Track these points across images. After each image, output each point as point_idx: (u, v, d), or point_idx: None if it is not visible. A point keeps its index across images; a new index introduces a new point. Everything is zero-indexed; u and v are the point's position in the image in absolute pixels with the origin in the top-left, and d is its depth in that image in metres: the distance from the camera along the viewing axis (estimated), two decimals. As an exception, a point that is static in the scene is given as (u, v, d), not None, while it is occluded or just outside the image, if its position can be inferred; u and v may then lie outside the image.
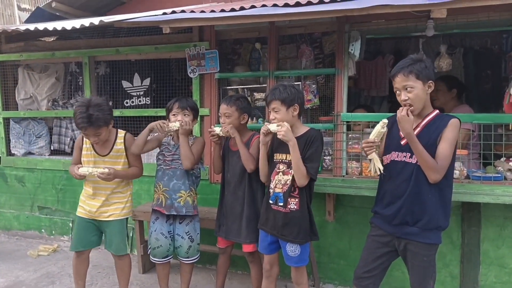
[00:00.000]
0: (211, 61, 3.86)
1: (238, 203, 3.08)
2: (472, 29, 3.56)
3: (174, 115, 3.11)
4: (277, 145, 2.81)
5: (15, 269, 4.05)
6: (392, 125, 2.55)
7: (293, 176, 2.70)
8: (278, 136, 2.65)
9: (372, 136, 2.48)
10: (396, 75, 2.38)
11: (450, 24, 3.18)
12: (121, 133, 3.16)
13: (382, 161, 2.56)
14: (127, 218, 3.22)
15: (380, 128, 2.44)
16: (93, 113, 2.82)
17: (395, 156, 2.48)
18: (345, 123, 3.40)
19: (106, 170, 2.93)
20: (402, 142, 2.44)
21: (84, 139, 3.08)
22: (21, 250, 4.56)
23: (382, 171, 2.50)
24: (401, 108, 2.35)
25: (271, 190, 2.82)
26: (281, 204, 2.74)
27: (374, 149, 2.48)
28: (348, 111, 3.45)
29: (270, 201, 2.81)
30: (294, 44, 4.00)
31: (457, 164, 3.12)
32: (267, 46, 3.75)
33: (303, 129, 2.80)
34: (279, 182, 2.78)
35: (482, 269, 3.28)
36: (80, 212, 3.16)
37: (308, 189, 2.74)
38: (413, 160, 2.38)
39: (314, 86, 3.65)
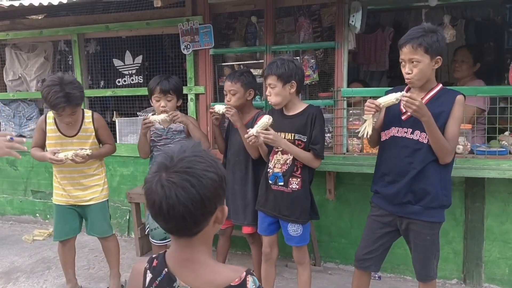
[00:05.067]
0: (205, 36, 3.71)
1: (238, 183, 2.99)
2: (475, -1, 3.42)
3: (157, 100, 2.99)
4: (274, 122, 2.69)
5: (10, 255, 3.98)
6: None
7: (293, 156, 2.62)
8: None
9: (381, 101, 2.29)
10: (404, 45, 2.22)
11: (454, -8, 3.05)
12: (88, 112, 3.02)
13: (379, 136, 2.48)
14: (107, 200, 3.13)
15: (395, 100, 2.25)
16: (70, 91, 2.66)
17: (395, 131, 2.37)
18: (345, 99, 3.29)
19: (87, 152, 2.82)
20: (403, 117, 2.33)
21: (47, 120, 2.94)
22: (15, 235, 4.48)
23: (368, 136, 2.38)
24: (404, 105, 2.17)
25: (270, 170, 2.73)
26: (281, 183, 2.65)
27: (374, 113, 2.32)
28: (348, 86, 3.34)
29: (270, 181, 2.71)
30: (291, 17, 3.85)
31: (461, 139, 3.03)
32: (263, 20, 3.59)
33: (301, 105, 2.69)
34: (278, 161, 2.68)
35: (486, 245, 3.23)
36: (57, 200, 3.02)
37: (309, 168, 2.66)
38: (415, 137, 2.28)
39: (313, 61, 3.53)
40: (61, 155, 2.78)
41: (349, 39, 3.27)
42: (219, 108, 2.90)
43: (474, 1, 3.97)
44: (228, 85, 2.93)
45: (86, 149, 2.83)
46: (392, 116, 2.41)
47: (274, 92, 2.60)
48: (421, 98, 2.27)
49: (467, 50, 3.57)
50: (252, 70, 3.87)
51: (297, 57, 3.54)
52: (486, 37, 4.59)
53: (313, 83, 3.58)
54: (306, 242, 2.74)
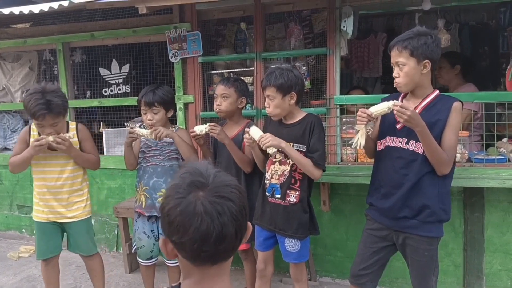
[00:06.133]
0: (193, 43, 3.59)
1: None
2: (471, 2, 3.33)
3: (144, 113, 2.87)
4: (271, 132, 2.57)
5: (-7, 273, 3.82)
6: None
7: (291, 167, 2.49)
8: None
9: (373, 110, 2.18)
10: (391, 48, 2.17)
11: (448, -4, 2.96)
12: (72, 124, 2.89)
13: (375, 147, 2.36)
14: (90, 216, 2.98)
15: (387, 109, 2.13)
16: (51, 99, 2.53)
17: (390, 141, 2.26)
18: (338, 106, 3.18)
19: (69, 134, 2.69)
20: (398, 126, 2.22)
21: (31, 132, 2.79)
22: (0, 252, 4.31)
23: (361, 147, 2.27)
24: (396, 114, 2.04)
25: (267, 181, 2.60)
26: (278, 196, 2.53)
27: (366, 122, 2.20)
28: (340, 94, 3.23)
29: (267, 193, 2.59)
30: (282, 23, 3.76)
31: (458, 147, 2.92)
32: (253, 26, 3.49)
33: (300, 114, 2.57)
34: (275, 172, 2.55)
35: (487, 257, 3.11)
36: (37, 216, 2.86)
37: (309, 181, 2.53)
38: (410, 147, 2.17)
39: (304, 68, 3.42)
40: (42, 140, 2.60)
41: (341, 45, 3.17)
42: (201, 129, 2.76)
43: (469, 5, 3.89)
44: (221, 89, 2.81)
45: (67, 135, 2.69)
46: (387, 125, 2.30)
47: (273, 104, 2.47)
48: (416, 106, 2.18)
49: (441, 56, 3.53)
50: (242, 77, 3.78)
51: (288, 64, 3.44)
52: (481, 41, 4.52)
53: (305, 90, 3.46)
54: (305, 259, 2.61)
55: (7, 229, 4.70)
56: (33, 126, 2.80)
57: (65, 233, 2.95)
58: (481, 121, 3.05)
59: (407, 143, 2.19)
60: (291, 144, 2.48)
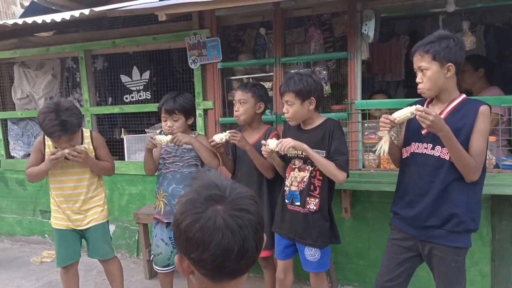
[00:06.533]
0: (213, 50, 3.59)
1: None
2: (497, 3, 3.22)
3: (164, 120, 2.87)
4: (290, 137, 2.53)
5: (17, 278, 3.87)
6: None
7: (310, 173, 2.44)
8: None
9: (396, 115, 2.11)
10: (413, 53, 2.12)
11: (473, -3, 2.87)
12: (86, 132, 2.91)
13: (401, 154, 2.29)
14: (107, 221, 2.99)
15: (410, 114, 2.07)
16: (66, 119, 2.53)
17: (415, 147, 2.19)
18: (360, 111, 3.12)
19: (84, 145, 2.72)
20: (423, 132, 2.14)
21: (46, 142, 2.81)
22: (24, 257, 4.38)
23: (385, 154, 2.20)
24: (419, 119, 1.97)
25: (286, 188, 2.56)
26: (298, 203, 2.48)
27: (389, 128, 2.13)
28: (362, 98, 3.17)
29: (286, 201, 2.55)
30: (301, 28, 3.71)
31: (489, 153, 2.84)
32: (272, 32, 3.46)
33: (319, 119, 2.52)
34: (294, 179, 2.51)
35: (516, 267, 3.00)
36: (57, 224, 2.88)
37: (329, 188, 2.48)
38: (436, 153, 2.10)
39: (324, 72, 3.37)
40: (58, 154, 2.63)
41: (362, 48, 3.11)
42: (220, 137, 2.71)
43: (494, 6, 3.77)
44: (238, 95, 2.79)
45: (83, 146, 2.72)
46: (412, 130, 2.24)
47: (292, 110, 2.44)
48: (441, 111, 2.11)
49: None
50: (261, 83, 3.75)
51: (308, 69, 3.40)
52: (508, 43, 4.38)
53: (325, 95, 3.42)
54: (326, 269, 2.56)
55: (31, 234, 4.78)
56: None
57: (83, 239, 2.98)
58: (508, 125, 2.94)
59: (432, 148, 2.12)
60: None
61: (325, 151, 2.42)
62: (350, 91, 3.14)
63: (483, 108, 2.05)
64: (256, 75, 3.72)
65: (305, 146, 2.37)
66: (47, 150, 2.80)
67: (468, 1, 2.95)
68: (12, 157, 4.72)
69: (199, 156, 2.89)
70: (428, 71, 2.06)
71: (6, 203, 4.85)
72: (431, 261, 2.20)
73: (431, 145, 2.12)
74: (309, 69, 3.38)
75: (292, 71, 2.78)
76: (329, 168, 2.37)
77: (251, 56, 3.84)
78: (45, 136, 2.82)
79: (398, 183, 2.35)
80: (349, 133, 3.13)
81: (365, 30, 2.97)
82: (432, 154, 2.12)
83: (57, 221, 2.88)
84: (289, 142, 2.35)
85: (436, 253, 2.15)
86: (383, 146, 2.17)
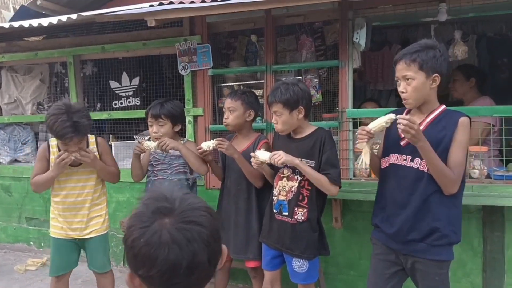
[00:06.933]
0: (203, 56, 3.54)
1: (240, 213, 2.77)
2: (489, 13, 3.23)
3: (150, 125, 2.83)
4: (280, 147, 2.49)
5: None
6: (392, 122, 2.23)
7: (299, 183, 2.40)
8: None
9: (371, 126, 2.09)
10: (398, 61, 2.05)
11: (465, 7, 2.86)
12: (92, 137, 2.84)
13: (380, 163, 2.26)
14: (108, 232, 2.93)
15: (384, 123, 2.06)
16: (78, 120, 2.48)
17: (394, 159, 2.15)
18: (351, 120, 3.09)
19: (92, 147, 2.69)
20: (402, 143, 2.11)
21: (51, 148, 2.74)
22: (8, 265, 4.27)
23: (366, 167, 2.18)
24: (400, 128, 1.91)
25: (274, 198, 2.51)
26: (286, 213, 2.43)
27: (367, 140, 2.10)
28: (353, 107, 3.14)
29: (274, 210, 2.50)
30: (293, 36, 3.70)
31: (477, 163, 2.82)
32: (264, 39, 3.43)
33: (309, 128, 2.48)
34: (283, 188, 2.47)
35: (507, 278, 2.95)
36: (55, 233, 2.80)
37: (319, 198, 2.43)
38: (415, 165, 2.06)
39: (316, 80, 3.34)
40: (64, 155, 2.56)
41: (354, 57, 3.09)
42: (208, 144, 2.69)
43: (486, 16, 3.78)
44: (228, 102, 2.75)
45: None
46: (391, 141, 2.20)
47: (281, 120, 2.40)
48: (421, 122, 2.07)
49: (455, 69, 3.47)
50: (252, 90, 3.72)
51: (299, 77, 3.37)
52: (500, 53, 4.38)
53: (316, 103, 3.38)
54: (313, 280, 2.51)
55: (16, 241, 4.67)
56: (52, 143, 2.76)
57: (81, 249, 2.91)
58: (499, 135, 2.92)
59: (411, 161, 2.08)
60: (300, 159, 2.39)
61: (314, 162, 2.38)
62: (341, 99, 3.11)
63: (463, 119, 2.01)
64: (247, 82, 3.68)
65: (297, 161, 2.32)
66: (51, 157, 2.72)
67: (460, 11, 2.94)
68: (-2, 163, 4.63)
69: (187, 163, 2.84)
70: (414, 81, 2.00)
71: (-9, 210, 4.74)
72: (414, 275, 2.16)
73: (410, 157, 2.08)
74: (296, 78, 3.35)
75: (278, 82, 2.75)
76: (322, 182, 2.33)
77: (242, 63, 3.81)
78: (49, 143, 2.75)
79: (378, 193, 2.31)
80: (340, 142, 3.10)
81: (357, 38, 2.95)
82: (411, 166, 2.08)
83: (56, 230, 2.80)
84: (281, 157, 2.30)
85: (419, 267, 2.10)
86: (364, 159, 2.14)
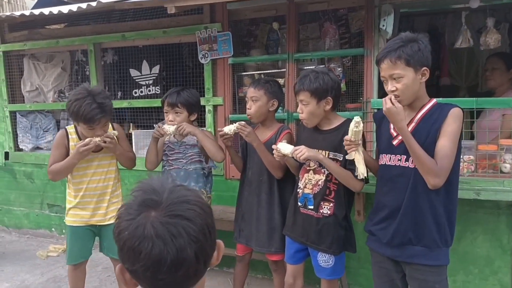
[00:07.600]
0: (224, 44, 3.48)
1: (262, 206, 2.70)
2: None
3: (166, 113, 2.80)
4: (305, 138, 2.41)
5: (22, 272, 3.83)
6: (381, 121, 2.13)
7: (326, 177, 2.32)
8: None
9: (350, 134, 2.05)
10: (381, 60, 1.94)
11: (499, -7, 2.72)
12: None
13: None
14: None
15: (354, 127, 2.01)
16: (103, 101, 2.48)
17: (387, 159, 2.06)
18: (376, 110, 2.98)
19: (115, 133, 2.70)
20: (395, 142, 2.02)
21: (70, 135, 2.71)
22: (30, 251, 4.34)
23: (365, 176, 2.11)
24: (384, 99, 1.88)
25: (299, 190, 2.43)
26: (311, 207, 2.36)
27: (354, 149, 2.04)
28: (379, 97, 3.04)
29: (299, 203, 2.43)
30: (316, 23, 3.59)
31: (508, 156, 2.69)
32: (286, 26, 3.34)
33: (337, 120, 2.38)
34: (309, 181, 2.38)
35: (538, 277, 2.84)
36: (73, 221, 2.78)
37: (347, 193, 2.34)
38: (410, 164, 1.95)
39: (339, 69, 3.26)
40: (87, 141, 2.54)
41: (380, 45, 2.98)
42: (230, 128, 2.61)
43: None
44: (251, 91, 2.66)
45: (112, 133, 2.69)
46: (384, 141, 2.11)
47: (307, 110, 2.29)
48: (412, 118, 1.98)
49: (496, 57, 3.27)
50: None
51: (322, 65, 3.27)
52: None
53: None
54: (339, 276, 2.45)
55: (38, 227, 4.74)
56: (70, 130, 2.74)
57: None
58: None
59: (406, 160, 1.98)
60: (327, 152, 2.31)
61: (342, 155, 2.28)
62: (366, 89, 3.02)
63: (453, 110, 1.91)
64: (268, 71, 3.61)
65: (320, 156, 2.24)
66: (71, 143, 2.70)
67: (494, -3, 2.80)
68: (21, 150, 4.68)
69: (202, 152, 2.80)
70: (403, 79, 1.89)
71: (14, 196, 4.82)
72: (413, 285, 2.07)
73: (405, 156, 1.98)
74: (325, 66, 3.26)
75: (307, 68, 2.65)
76: (346, 177, 2.24)
77: (263, 52, 3.73)
78: (67, 130, 2.73)
79: (375, 197, 2.21)
80: (364, 133, 3.00)
81: (383, 25, 2.84)
82: (406, 165, 1.99)
83: (74, 218, 2.78)
84: (303, 152, 2.20)
85: (417, 275, 2.01)
86: (359, 169, 2.08)
